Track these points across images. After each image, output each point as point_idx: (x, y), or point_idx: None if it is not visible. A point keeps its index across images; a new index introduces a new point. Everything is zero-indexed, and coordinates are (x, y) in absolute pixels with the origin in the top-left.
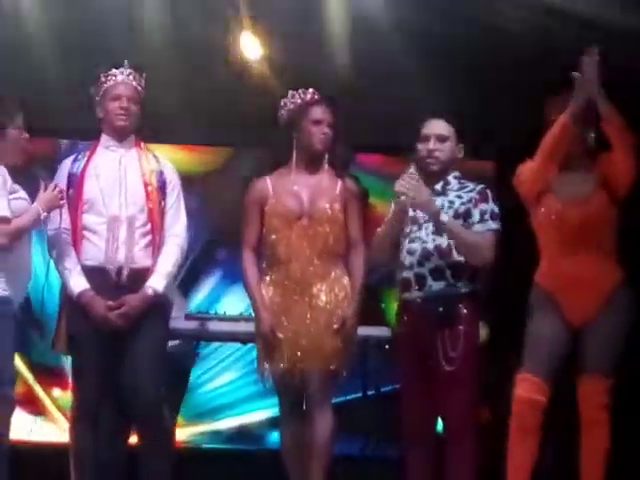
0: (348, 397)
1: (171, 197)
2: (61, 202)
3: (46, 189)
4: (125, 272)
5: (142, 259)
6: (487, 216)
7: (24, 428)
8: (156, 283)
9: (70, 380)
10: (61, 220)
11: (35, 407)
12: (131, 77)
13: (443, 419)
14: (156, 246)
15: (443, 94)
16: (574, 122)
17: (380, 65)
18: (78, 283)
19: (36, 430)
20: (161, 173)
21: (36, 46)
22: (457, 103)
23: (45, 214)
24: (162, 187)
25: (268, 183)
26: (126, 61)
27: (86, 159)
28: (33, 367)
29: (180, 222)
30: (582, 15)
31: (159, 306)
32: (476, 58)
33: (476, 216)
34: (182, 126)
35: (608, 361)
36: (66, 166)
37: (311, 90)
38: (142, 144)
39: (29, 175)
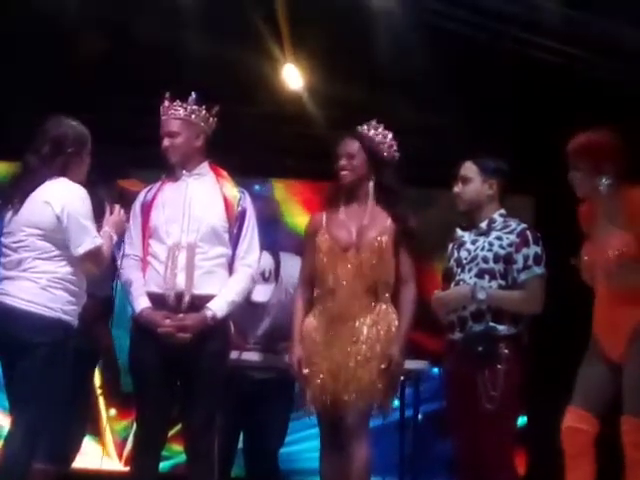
0: None
1: (247, 226)
2: (127, 225)
3: (111, 212)
4: (186, 298)
5: (206, 285)
6: (530, 261)
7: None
8: (217, 307)
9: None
10: (129, 247)
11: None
12: (175, 111)
13: (480, 454)
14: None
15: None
16: None
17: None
18: (140, 303)
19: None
20: (242, 201)
21: None
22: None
23: (116, 238)
24: (241, 215)
25: (323, 217)
26: (193, 93)
27: (157, 189)
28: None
29: (254, 253)
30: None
31: (220, 333)
32: None
33: (520, 262)
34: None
35: (637, 399)
36: (141, 196)
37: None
38: (222, 171)
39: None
